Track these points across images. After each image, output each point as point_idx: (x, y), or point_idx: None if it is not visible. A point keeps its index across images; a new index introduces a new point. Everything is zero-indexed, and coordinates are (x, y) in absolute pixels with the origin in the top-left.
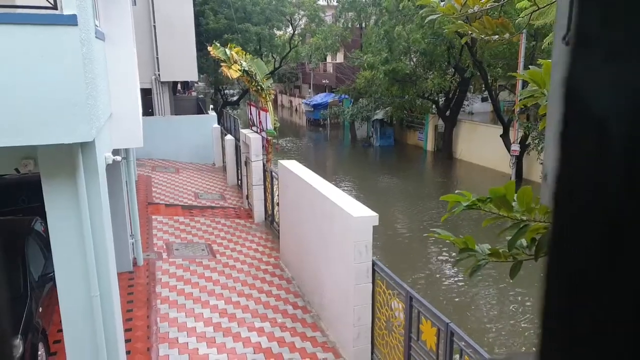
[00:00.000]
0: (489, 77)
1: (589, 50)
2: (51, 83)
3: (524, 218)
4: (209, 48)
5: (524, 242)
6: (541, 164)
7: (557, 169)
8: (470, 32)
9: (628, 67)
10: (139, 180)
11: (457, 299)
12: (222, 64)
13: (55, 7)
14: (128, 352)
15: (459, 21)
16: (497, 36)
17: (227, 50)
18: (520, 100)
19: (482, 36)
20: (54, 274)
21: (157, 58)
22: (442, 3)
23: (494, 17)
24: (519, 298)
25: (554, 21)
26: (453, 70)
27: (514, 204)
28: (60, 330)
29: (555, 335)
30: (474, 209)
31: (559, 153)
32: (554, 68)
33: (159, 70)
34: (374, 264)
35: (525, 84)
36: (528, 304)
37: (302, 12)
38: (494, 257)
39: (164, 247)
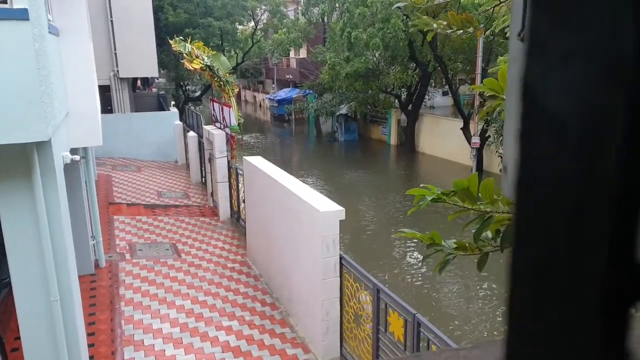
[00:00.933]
0: (449, 72)
1: (542, 52)
2: (3, 80)
3: (488, 210)
4: (171, 42)
5: (489, 234)
6: (500, 156)
7: (518, 165)
8: (436, 27)
9: (579, 69)
10: (99, 180)
11: (424, 290)
12: (184, 57)
13: (4, 1)
14: (91, 357)
15: (425, 17)
16: (461, 31)
17: (187, 44)
18: (484, 109)
19: (448, 31)
20: (10, 280)
21: (116, 54)
22: None
23: (454, 11)
24: (485, 287)
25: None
26: (414, 65)
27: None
28: (18, 338)
29: (522, 325)
30: (439, 202)
31: (518, 149)
32: (510, 64)
33: (117, 67)
34: (341, 258)
35: (483, 78)
36: (493, 291)
37: (263, 7)
38: (461, 250)
39: (127, 247)
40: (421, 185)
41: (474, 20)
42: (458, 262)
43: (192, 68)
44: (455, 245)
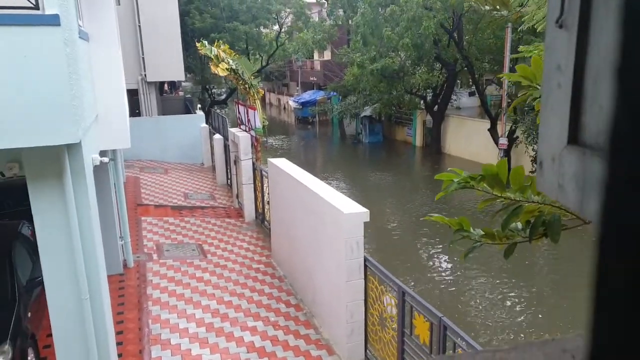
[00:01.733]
0: (476, 72)
1: None
2: (35, 84)
3: (518, 198)
4: (197, 45)
5: (519, 225)
6: (531, 158)
7: (615, 109)
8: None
9: None
10: (127, 182)
11: (450, 291)
12: (210, 61)
13: (37, 7)
14: (120, 355)
15: None
16: (497, 12)
17: (213, 48)
18: (516, 99)
19: (482, 7)
20: (42, 278)
21: (143, 58)
22: None
23: None
24: (513, 290)
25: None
26: (440, 65)
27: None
28: (50, 335)
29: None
30: (468, 187)
31: (617, 90)
32: (547, 52)
33: (145, 71)
34: (365, 260)
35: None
36: (521, 295)
37: (288, 10)
38: (488, 238)
39: (154, 248)
40: (449, 169)
41: (509, 2)
42: (486, 266)
43: (218, 72)
44: (483, 233)
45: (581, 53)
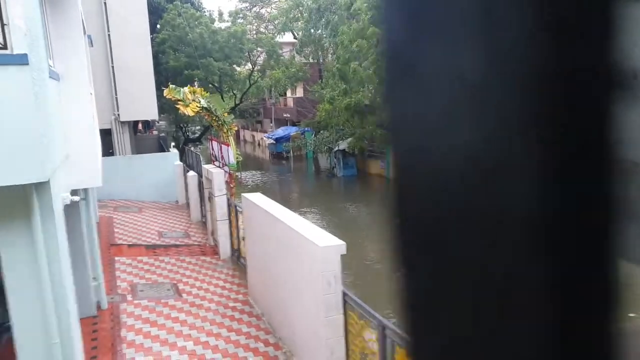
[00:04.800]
0: None
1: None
2: (2, 123)
3: None
4: (165, 91)
5: None
6: None
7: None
8: None
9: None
10: (100, 222)
11: None
12: (178, 103)
13: (4, 47)
14: None
15: None
16: None
17: (182, 90)
18: None
19: None
20: (10, 324)
21: (117, 98)
22: None
23: None
24: None
25: None
26: None
27: None
28: None
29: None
30: None
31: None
32: None
33: (118, 110)
34: (344, 294)
35: None
36: None
37: (260, 49)
38: None
39: (129, 288)
40: None
41: None
42: None
43: (187, 112)
44: None
45: None
